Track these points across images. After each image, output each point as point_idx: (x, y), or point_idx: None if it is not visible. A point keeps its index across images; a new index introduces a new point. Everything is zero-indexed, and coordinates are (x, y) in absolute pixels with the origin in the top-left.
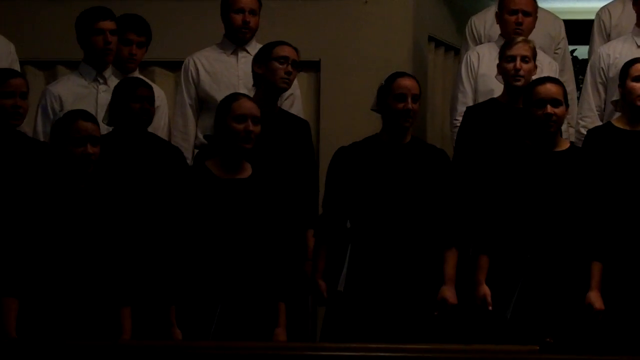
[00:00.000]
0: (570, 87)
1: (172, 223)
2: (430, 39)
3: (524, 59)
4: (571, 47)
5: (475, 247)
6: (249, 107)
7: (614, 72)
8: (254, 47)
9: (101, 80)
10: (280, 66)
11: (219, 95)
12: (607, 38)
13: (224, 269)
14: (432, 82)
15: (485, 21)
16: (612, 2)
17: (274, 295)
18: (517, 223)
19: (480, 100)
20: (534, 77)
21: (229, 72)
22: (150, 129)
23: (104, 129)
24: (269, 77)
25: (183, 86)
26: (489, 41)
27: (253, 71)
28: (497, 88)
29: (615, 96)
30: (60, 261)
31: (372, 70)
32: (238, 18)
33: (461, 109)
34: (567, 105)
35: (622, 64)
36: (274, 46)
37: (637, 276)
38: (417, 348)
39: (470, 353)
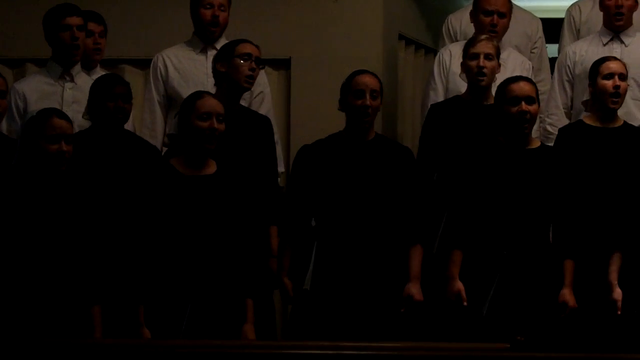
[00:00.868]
0: (547, 86)
1: (138, 221)
2: (401, 37)
3: (488, 57)
4: (549, 46)
5: (449, 242)
6: (213, 104)
7: (580, 69)
8: None
9: (68, 78)
10: (244, 63)
11: (188, 93)
12: (577, 34)
13: (191, 266)
14: (403, 80)
15: (462, 20)
16: None
17: (241, 291)
18: (492, 219)
19: None
20: (497, 76)
21: (197, 70)
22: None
23: (78, 126)
24: (232, 74)
25: (152, 83)
26: (465, 39)
27: (214, 69)
28: None
29: (585, 96)
30: (30, 259)
31: (342, 68)
32: (207, 13)
33: None
34: (539, 104)
35: (588, 62)
36: (236, 44)
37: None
38: (386, 346)
39: (439, 351)
